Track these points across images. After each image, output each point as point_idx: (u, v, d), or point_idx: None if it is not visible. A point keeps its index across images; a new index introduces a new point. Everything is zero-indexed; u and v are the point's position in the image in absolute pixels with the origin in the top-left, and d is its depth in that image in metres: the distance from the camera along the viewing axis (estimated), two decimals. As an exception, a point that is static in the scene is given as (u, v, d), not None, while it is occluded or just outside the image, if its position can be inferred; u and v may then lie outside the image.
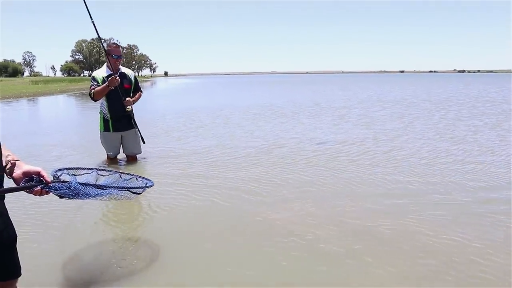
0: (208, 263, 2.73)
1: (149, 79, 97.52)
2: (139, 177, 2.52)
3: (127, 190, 2.33)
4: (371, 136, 7.90)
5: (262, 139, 7.77)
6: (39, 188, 1.84)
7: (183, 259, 2.79)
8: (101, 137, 5.59)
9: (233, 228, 3.37)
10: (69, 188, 2.00)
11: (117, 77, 5.17)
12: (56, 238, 3.15)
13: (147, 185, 2.45)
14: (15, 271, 1.87)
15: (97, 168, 2.47)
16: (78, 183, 2.09)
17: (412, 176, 4.88)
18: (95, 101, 5.29)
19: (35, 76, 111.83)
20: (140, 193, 2.47)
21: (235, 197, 4.14)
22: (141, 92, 5.72)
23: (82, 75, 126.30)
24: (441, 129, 8.82)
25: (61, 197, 1.99)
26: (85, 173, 2.32)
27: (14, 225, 1.82)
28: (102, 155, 5.80)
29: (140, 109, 14.60)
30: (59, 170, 2.14)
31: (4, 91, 27.66)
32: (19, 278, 1.86)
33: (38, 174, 1.84)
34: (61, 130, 9.88)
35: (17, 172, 1.79)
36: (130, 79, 5.52)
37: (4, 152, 1.82)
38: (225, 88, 40.09)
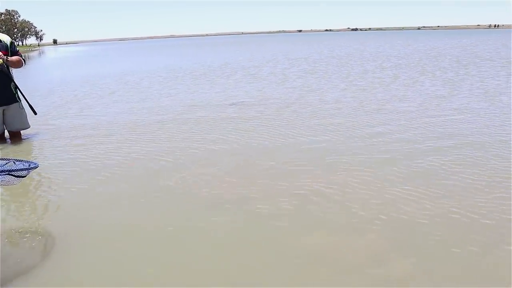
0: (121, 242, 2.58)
1: (36, 48, 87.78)
2: (17, 160, 2.21)
3: (8, 174, 2.04)
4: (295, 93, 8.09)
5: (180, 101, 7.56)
6: None
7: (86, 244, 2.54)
8: (-22, 114, 4.87)
9: (137, 195, 3.21)
10: None
11: None
12: None
13: (31, 166, 2.17)
14: None
15: None
16: None
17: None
18: None
19: None
20: (25, 176, 2.18)
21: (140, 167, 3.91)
22: (23, 57, 5.03)
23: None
24: (352, 80, 9.49)
25: None
26: None
27: None
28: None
29: (31, 80, 13.43)
30: None
31: None
32: None
33: None
34: None
35: None
36: (5, 45, 4.82)
37: None
38: (126, 54, 37.62)
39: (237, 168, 3.81)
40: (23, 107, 5.06)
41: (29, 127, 5.22)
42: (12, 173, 2.06)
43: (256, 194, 3.14)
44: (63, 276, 2.18)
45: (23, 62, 4.99)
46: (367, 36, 64.64)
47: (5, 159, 2.20)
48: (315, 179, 3.38)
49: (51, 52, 58.15)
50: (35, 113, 5.16)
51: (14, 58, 4.83)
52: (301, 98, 7.50)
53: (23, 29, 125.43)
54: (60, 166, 4.01)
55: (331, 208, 2.86)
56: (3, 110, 4.91)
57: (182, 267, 2.23)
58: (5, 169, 2.07)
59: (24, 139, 5.13)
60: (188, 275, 2.16)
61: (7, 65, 4.74)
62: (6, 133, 5.11)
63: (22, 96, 5.01)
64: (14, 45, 5.01)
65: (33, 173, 2.42)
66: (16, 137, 5.09)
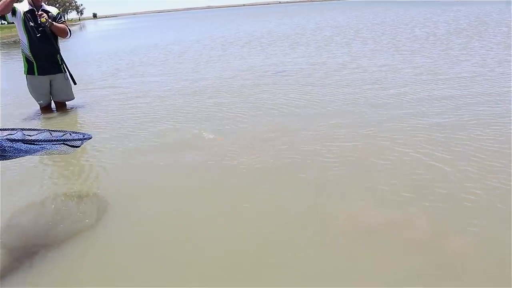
0: (164, 219, 2.61)
1: (77, 23, 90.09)
2: (73, 132, 2.32)
3: (63, 143, 2.15)
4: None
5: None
6: None
7: (131, 214, 2.61)
8: (27, 84, 5.09)
9: (188, 178, 3.23)
10: None
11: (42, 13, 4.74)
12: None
13: (85, 137, 2.29)
14: None
15: (22, 128, 2.23)
16: (6, 139, 1.88)
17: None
18: (0, 14, 4.60)
19: None
20: (79, 146, 2.31)
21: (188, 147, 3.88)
22: (68, 28, 5.16)
23: (0, 23, 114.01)
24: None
25: None
26: (8, 135, 2.05)
27: None
28: (34, 105, 5.33)
29: (75, 53, 13.88)
30: None
31: None
32: None
33: None
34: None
35: None
36: (52, 16, 4.96)
37: None
38: (167, 25, 37.76)
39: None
40: (68, 78, 5.23)
41: (73, 98, 5.41)
42: (67, 142, 2.18)
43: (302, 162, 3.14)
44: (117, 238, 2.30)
45: (68, 32, 5.10)
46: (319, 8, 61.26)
47: (62, 131, 2.33)
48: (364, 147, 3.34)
49: (91, 26, 59.47)
50: (75, 83, 5.32)
51: (60, 25, 4.98)
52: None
53: (64, 4, 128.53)
54: (106, 137, 4.16)
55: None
56: (50, 81, 5.11)
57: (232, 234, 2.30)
58: (61, 138, 2.19)
59: (69, 109, 5.34)
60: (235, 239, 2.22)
61: (51, 28, 4.87)
62: (53, 104, 5.34)
63: (65, 66, 5.18)
64: (61, 15, 5.16)
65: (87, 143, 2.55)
66: (62, 108, 5.32)
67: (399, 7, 34.96)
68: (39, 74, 5.00)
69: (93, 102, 5.76)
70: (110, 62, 10.48)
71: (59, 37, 5.10)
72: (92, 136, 2.36)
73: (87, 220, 2.47)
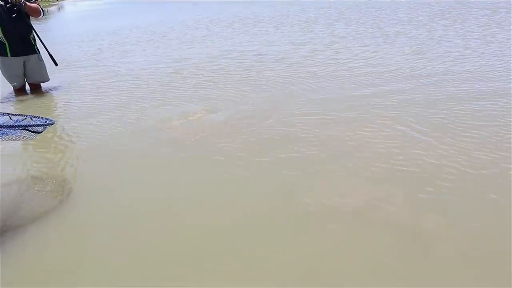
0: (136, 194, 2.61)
1: (55, 3, 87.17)
2: (34, 117, 2.24)
3: (24, 129, 2.08)
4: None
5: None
6: None
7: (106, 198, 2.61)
8: (0, 65, 4.92)
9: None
10: None
11: None
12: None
13: (47, 122, 2.22)
14: None
15: None
16: None
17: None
18: None
19: None
20: (41, 132, 2.23)
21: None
22: (41, 7, 4.97)
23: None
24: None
25: None
26: None
27: None
28: (8, 87, 5.16)
29: (53, 34, 13.42)
30: None
31: None
32: None
33: None
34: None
35: None
36: (24, -5, 4.77)
37: None
38: (151, 8, 36.76)
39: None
40: (42, 59, 5.08)
41: (48, 80, 5.26)
42: (28, 128, 2.11)
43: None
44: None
45: (41, 11, 4.93)
46: None
47: (22, 115, 2.24)
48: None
49: (70, 7, 57.70)
50: (56, 64, 5.18)
51: (32, 4, 4.80)
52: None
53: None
54: (76, 120, 4.06)
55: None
56: (24, 62, 4.94)
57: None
58: (22, 124, 2.11)
59: (45, 91, 5.19)
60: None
61: (24, 9, 4.70)
62: (27, 86, 5.17)
63: (43, 46, 5.02)
64: (34, -4, 4.96)
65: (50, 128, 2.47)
66: (36, 90, 5.17)
67: None
68: (12, 55, 4.83)
69: (70, 84, 5.59)
70: (91, 43, 10.18)
71: (31, 17, 4.91)
72: (55, 122, 2.32)
73: (56, 202, 2.43)
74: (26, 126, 2.10)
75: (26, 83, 5.13)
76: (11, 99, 4.96)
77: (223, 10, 19.03)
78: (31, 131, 2.14)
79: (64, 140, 3.54)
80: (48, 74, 5.23)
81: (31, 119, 2.22)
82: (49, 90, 5.24)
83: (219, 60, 6.57)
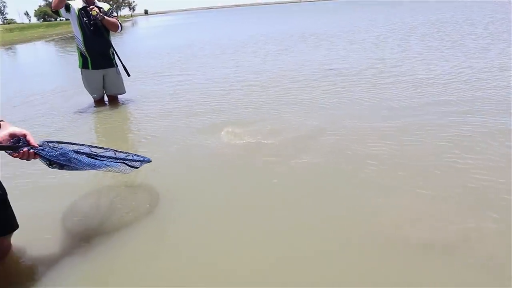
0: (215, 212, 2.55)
1: (129, 19, 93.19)
2: (135, 155, 2.50)
3: (123, 162, 2.32)
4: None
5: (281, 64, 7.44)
6: (26, 149, 1.77)
7: (186, 207, 2.56)
8: (82, 77, 5.22)
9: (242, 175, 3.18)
10: (59, 153, 1.91)
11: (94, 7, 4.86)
12: (48, 195, 2.88)
13: (144, 160, 2.47)
14: (7, 226, 1.95)
15: (90, 144, 2.37)
16: (72, 150, 2.01)
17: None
18: (54, 9, 4.77)
19: (9, 23, 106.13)
20: (138, 167, 2.48)
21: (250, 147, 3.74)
22: (119, 22, 5.20)
23: (58, 19, 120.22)
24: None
25: (50, 164, 1.91)
26: (78, 149, 2.20)
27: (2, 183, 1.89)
28: (89, 99, 5.44)
29: (128, 48, 14.30)
30: (50, 142, 2.00)
31: (-23, 41, 26.28)
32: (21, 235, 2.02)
33: (25, 136, 1.78)
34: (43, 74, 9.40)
35: (3, 133, 1.73)
36: (103, 11, 5.03)
37: None
38: (222, 21, 38.03)
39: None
40: (119, 72, 5.32)
41: (125, 92, 5.48)
42: (127, 162, 2.35)
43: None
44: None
45: (119, 26, 5.15)
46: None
47: (125, 152, 2.50)
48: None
49: (143, 22, 61.31)
50: (129, 75, 5.39)
51: (111, 19, 5.04)
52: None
53: (117, 1, 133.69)
54: (156, 136, 4.15)
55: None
56: (103, 76, 5.20)
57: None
58: (122, 158, 2.36)
59: (121, 103, 5.41)
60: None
61: (102, 22, 4.94)
62: (106, 98, 5.43)
63: (118, 59, 5.24)
64: (112, 11, 5.23)
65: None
66: (114, 101, 5.40)
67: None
68: (93, 68, 5.10)
69: (146, 96, 5.78)
70: (165, 57, 10.62)
71: (110, 32, 5.17)
72: (152, 160, 2.53)
73: (141, 211, 2.51)
74: (125, 159, 2.33)
75: (105, 95, 5.38)
76: (91, 109, 5.21)
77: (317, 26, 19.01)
78: (129, 165, 2.36)
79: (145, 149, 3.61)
80: (125, 86, 5.45)
81: (132, 156, 2.45)
82: (125, 102, 5.45)
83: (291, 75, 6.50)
